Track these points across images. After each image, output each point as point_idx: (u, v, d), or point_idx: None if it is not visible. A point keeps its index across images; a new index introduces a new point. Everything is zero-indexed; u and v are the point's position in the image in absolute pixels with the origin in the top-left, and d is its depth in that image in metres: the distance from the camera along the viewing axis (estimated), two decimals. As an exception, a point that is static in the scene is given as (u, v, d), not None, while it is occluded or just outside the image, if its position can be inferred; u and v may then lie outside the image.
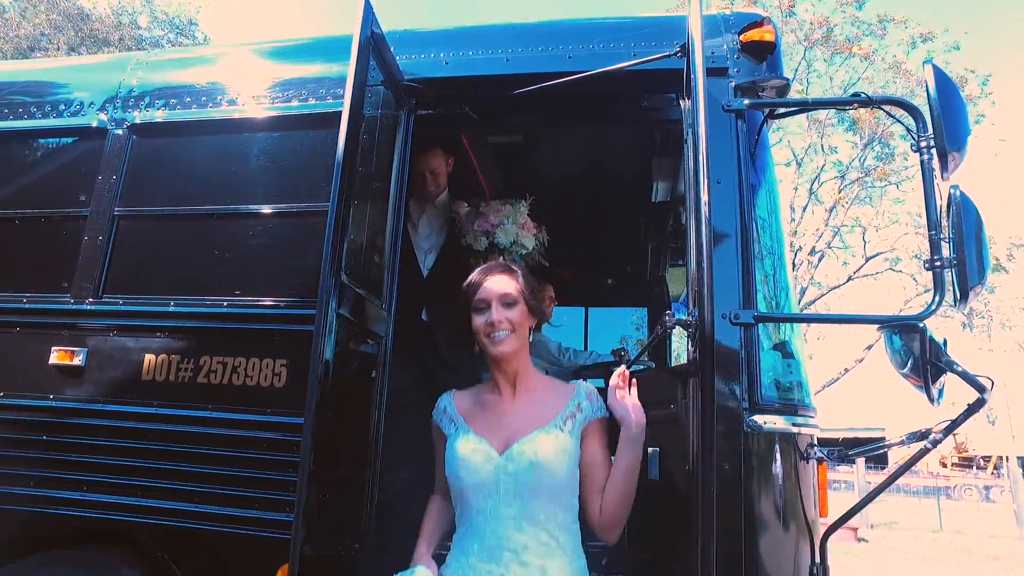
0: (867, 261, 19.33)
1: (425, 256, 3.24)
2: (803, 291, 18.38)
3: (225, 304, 2.28)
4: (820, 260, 19.38)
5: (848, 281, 19.58)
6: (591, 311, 5.30)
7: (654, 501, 2.28)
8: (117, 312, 2.37)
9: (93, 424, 2.26)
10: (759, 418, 1.87)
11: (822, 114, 17.79)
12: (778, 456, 1.89)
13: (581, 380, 1.97)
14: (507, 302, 1.88)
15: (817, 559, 1.88)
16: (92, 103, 2.69)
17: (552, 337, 4.25)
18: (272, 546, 2.03)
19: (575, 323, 5.26)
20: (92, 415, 2.27)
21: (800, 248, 18.55)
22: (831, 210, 18.60)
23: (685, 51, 2.05)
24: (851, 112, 17.97)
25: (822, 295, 19.75)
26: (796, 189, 18.87)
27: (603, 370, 4.11)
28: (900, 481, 22.69)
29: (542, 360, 4.14)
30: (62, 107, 2.71)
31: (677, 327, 2.06)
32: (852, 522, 13.60)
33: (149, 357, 2.27)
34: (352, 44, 1.96)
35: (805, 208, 19.29)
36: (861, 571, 9.76)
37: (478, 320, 1.89)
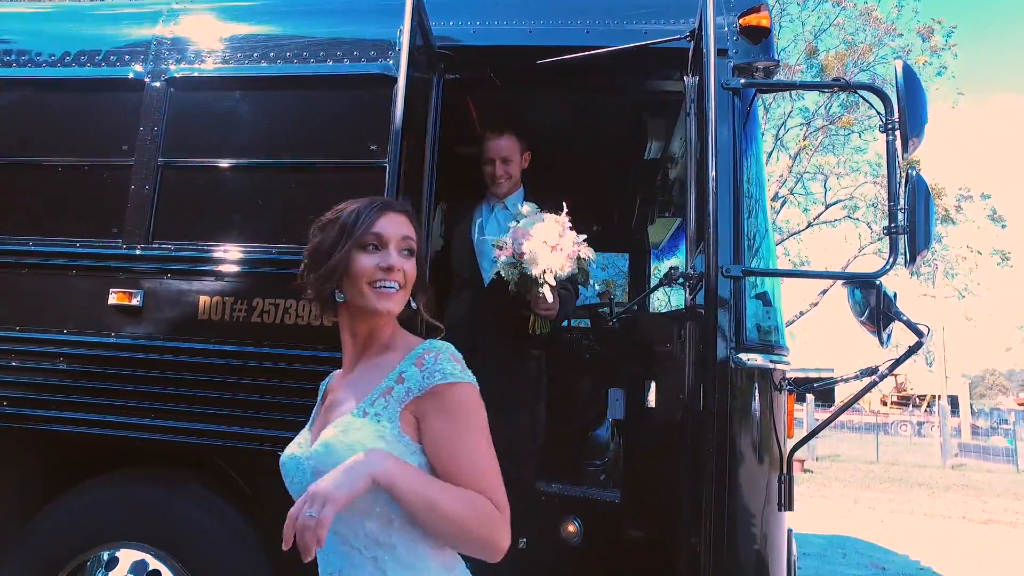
0: (827, 208, 20.04)
1: (490, 264, 2.83)
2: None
3: (274, 251, 2.53)
4: (782, 206, 19.98)
5: (808, 227, 20.32)
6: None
7: (649, 424, 2.68)
8: (169, 257, 2.59)
9: (157, 359, 2.51)
10: (744, 356, 2.23)
11: (792, 59, 18.08)
12: (757, 387, 2.27)
13: (431, 340, 1.33)
14: (407, 248, 1.37)
15: (784, 470, 2.30)
16: (128, 54, 2.81)
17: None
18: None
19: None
20: (154, 351, 2.52)
21: (764, 193, 19.05)
22: (795, 157, 19.10)
23: (694, 36, 2.32)
24: (820, 59, 18.32)
25: (782, 240, 20.45)
26: (763, 135, 19.24)
27: (589, 311, 4.49)
28: (844, 418, 24.24)
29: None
30: (98, 57, 2.83)
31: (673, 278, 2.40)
32: (799, 454, 14.69)
33: (204, 299, 2.52)
34: (405, 15, 2.18)
35: (771, 154, 19.72)
36: (806, 496, 10.67)
37: (366, 261, 1.32)
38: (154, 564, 2.50)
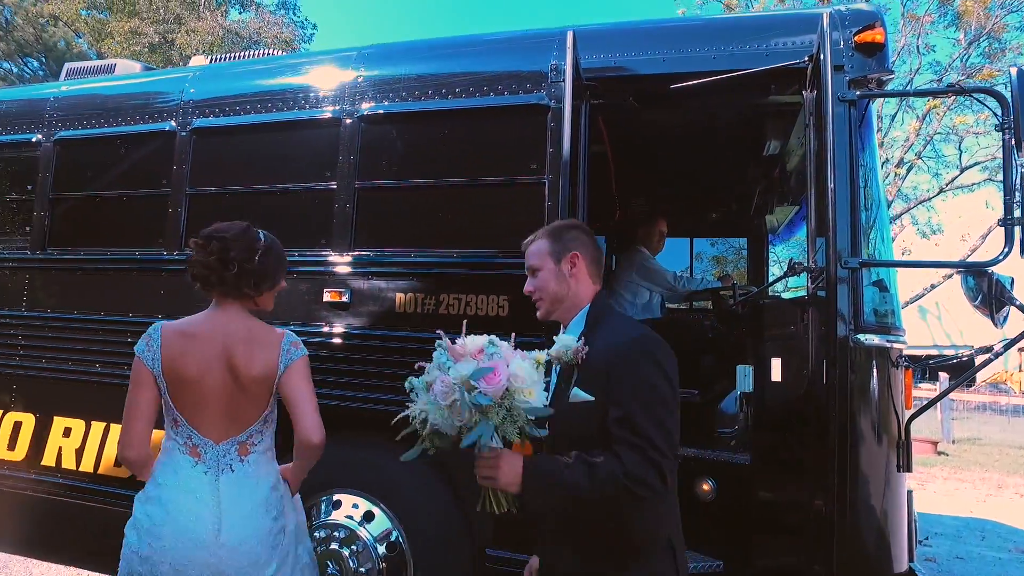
0: (962, 172, 18.63)
1: None
2: (888, 205, 17.97)
3: (455, 255, 3.10)
4: (908, 172, 18.77)
5: (939, 194, 19.00)
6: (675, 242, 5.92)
7: (775, 398, 3.04)
8: (369, 262, 3.24)
9: (363, 344, 3.17)
10: (862, 336, 2.55)
11: (920, 10, 16.85)
12: (875, 363, 2.59)
13: None
14: None
15: (902, 437, 2.60)
16: (326, 98, 3.47)
17: (667, 267, 4.95)
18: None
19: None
20: (361, 338, 3.17)
21: (887, 160, 17.99)
22: (924, 117, 17.84)
23: (812, 59, 2.63)
24: (956, 6, 16.85)
25: (908, 208, 19.24)
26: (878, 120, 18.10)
27: (713, 294, 4.84)
28: (987, 399, 22.52)
29: (659, 287, 4.86)
30: (302, 101, 3.52)
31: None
32: (932, 436, 14.01)
33: (400, 295, 3.14)
34: (567, 55, 2.67)
35: (894, 117, 18.53)
36: (939, 479, 10.30)
37: (283, 283, 2.29)
38: (367, 507, 3.17)
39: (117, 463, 3.48)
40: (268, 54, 4.50)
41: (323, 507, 3.23)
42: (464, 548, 3.07)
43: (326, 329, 3.27)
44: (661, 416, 1.60)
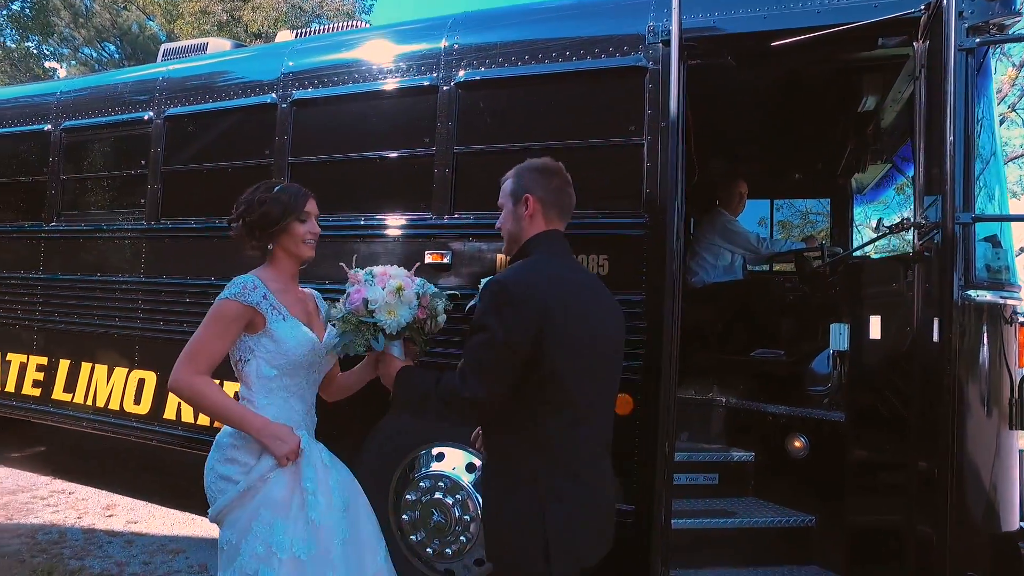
0: (1068, 124, 17.29)
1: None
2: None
3: (555, 216, 3.18)
4: (1001, 125, 17.59)
5: (1033, 149, 17.78)
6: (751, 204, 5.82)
7: (873, 355, 3.03)
8: (469, 224, 3.35)
9: (465, 303, 3.29)
10: (973, 292, 2.52)
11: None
12: (987, 320, 2.56)
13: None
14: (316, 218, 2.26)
15: (1015, 395, 2.58)
16: (422, 65, 3.57)
17: (751, 229, 4.93)
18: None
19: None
20: (464, 298, 3.30)
21: (974, 116, 16.79)
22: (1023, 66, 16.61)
23: (930, 8, 2.56)
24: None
25: (997, 167, 18.07)
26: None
27: (797, 255, 4.79)
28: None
29: (741, 249, 4.84)
30: (398, 70, 3.63)
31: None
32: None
33: (500, 256, 3.25)
34: (673, 18, 2.68)
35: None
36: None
37: (303, 227, 2.17)
38: (468, 458, 3.33)
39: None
40: (353, 26, 4.62)
41: (423, 459, 3.41)
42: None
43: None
44: (480, 356, 1.76)
